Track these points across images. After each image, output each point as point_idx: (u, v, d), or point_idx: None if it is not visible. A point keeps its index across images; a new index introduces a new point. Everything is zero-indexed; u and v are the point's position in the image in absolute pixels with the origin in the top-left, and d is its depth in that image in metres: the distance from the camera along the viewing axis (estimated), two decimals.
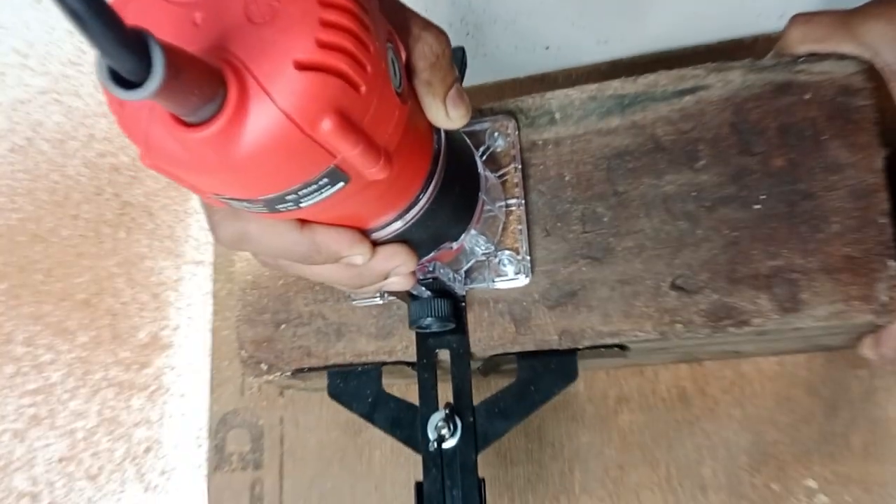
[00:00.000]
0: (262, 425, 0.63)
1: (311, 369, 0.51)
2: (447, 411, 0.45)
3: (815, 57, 0.46)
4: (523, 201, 0.48)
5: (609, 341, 0.47)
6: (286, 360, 0.52)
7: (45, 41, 0.78)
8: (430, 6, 0.65)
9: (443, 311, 0.45)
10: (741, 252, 0.45)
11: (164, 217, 0.72)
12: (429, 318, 0.45)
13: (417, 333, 0.48)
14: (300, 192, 0.28)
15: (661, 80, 0.48)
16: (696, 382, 0.57)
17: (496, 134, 0.49)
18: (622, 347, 0.47)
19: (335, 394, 0.51)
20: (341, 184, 0.29)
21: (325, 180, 0.28)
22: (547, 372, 0.47)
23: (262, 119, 0.25)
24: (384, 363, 0.50)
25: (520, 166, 0.48)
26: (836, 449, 0.54)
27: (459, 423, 0.45)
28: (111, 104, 0.27)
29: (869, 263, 0.43)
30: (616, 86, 0.48)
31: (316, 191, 0.29)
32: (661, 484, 0.56)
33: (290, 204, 0.29)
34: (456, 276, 0.46)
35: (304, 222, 0.33)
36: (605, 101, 0.48)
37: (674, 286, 0.46)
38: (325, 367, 0.51)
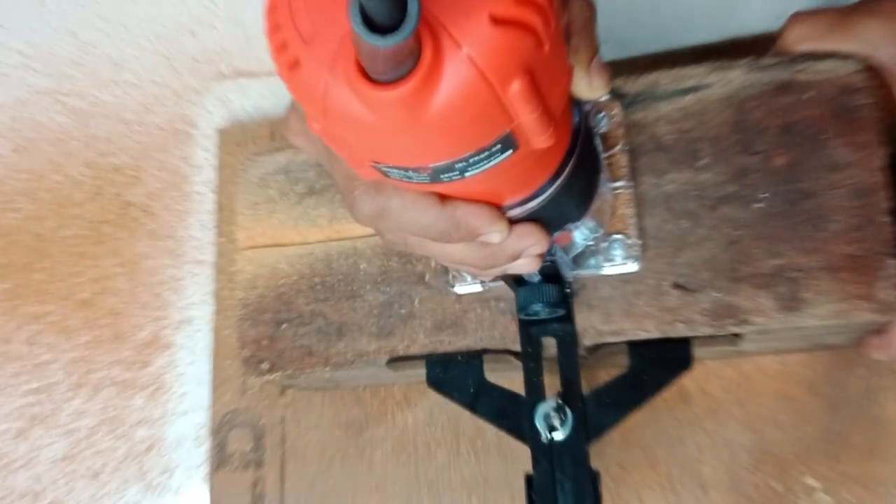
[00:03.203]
0: (263, 425, 0.63)
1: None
2: (558, 401, 0.43)
3: (815, 56, 0.46)
4: (632, 184, 0.47)
5: (610, 340, 0.47)
6: (287, 359, 0.52)
7: (48, 42, 0.78)
8: None
9: (553, 298, 0.43)
10: (742, 251, 0.45)
11: (166, 217, 0.72)
12: (538, 305, 0.43)
13: (521, 321, 0.46)
14: (471, 160, 0.28)
15: (662, 79, 0.48)
16: (696, 381, 0.57)
17: (601, 115, 0.47)
18: (735, 336, 0.46)
19: (435, 383, 0.49)
20: (509, 152, 0.28)
21: (498, 147, 0.27)
22: (659, 361, 0.46)
23: (456, 77, 0.23)
24: (486, 351, 0.49)
25: (627, 148, 0.47)
26: (837, 448, 0.54)
27: (570, 414, 0.43)
28: (282, 69, 0.26)
29: (870, 262, 0.43)
30: (616, 85, 0.48)
31: (485, 159, 0.28)
32: (661, 483, 0.56)
33: (455, 173, 0.28)
34: (566, 261, 0.45)
35: (444, 198, 0.32)
36: None
37: (675, 285, 0.46)
38: (327, 367, 0.51)
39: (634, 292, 0.47)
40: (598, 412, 0.44)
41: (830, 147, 0.45)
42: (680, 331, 0.46)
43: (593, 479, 0.42)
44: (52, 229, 0.74)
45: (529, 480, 0.43)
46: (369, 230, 0.53)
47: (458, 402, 0.48)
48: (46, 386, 0.70)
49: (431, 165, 0.28)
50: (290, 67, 0.25)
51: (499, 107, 0.25)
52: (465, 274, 0.49)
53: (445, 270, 0.50)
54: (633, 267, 0.46)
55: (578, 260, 0.46)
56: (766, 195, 0.45)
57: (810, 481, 0.54)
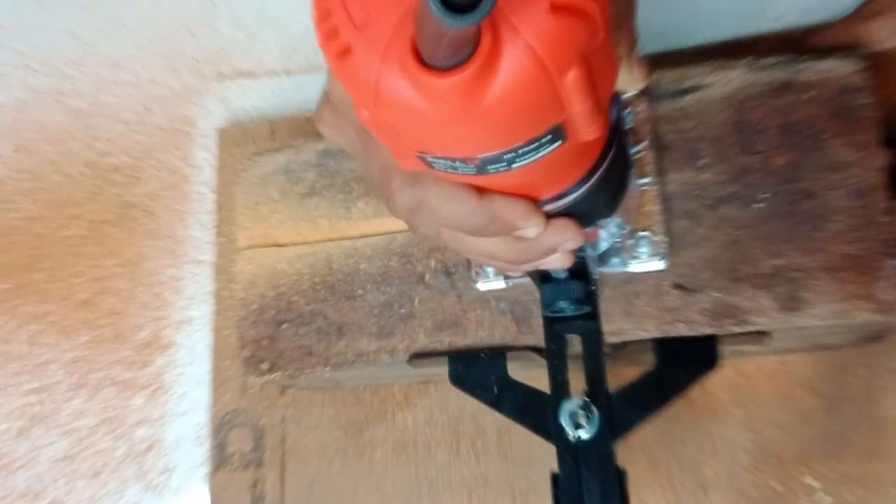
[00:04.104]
0: (263, 425, 0.63)
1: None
2: (584, 399, 0.43)
3: (816, 55, 0.46)
4: (658, 180, 0.47)
5: (610, 340, 0.47)
6: (287, 359, 0.52)
7: (47, 41, 0.78)
8: None
9: (579, 294, 0.43)
10: (742, 251, 0.45)
11: (166, 217, 0.72)
12: (564, 302, 0.43)
13: (545, 318, 0.45)
14: (520, 151, 0.27)
15: (662, 79, 0.48)
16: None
17: (626, 110, 0.47)
18: (762, 333, 0.46)
19: (457, 380, 0.49)
20: (558, 143, 0.28)
21: (548, 138, 0.27)
22: (685, 359, 0.46)
23: (514, 65, 0.23)
24: (509, 348, 0.48)
25: (653, 144, 0.47)
26: (838, 448, 0.54)
27: (596, 412, 0.43)
28: (330, 56, 0.25)
29: (870, 262, 0.43)
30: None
31: (534, 150, 0.27)
32: (662, 483, 0.56)
33: (502, 165, 0.28)
34: (592, 257, 0.45)
35: (482, 191, 0.32)
36: None
37: (675, 285, 0.46)
38: (327, 367, 0.51)
39: (634, 292, 0.47)
40: (624, 410, 0.44)
41: (830, 147, 0.45)
42: (680, 331, 0.46)
43: (620, 477, 0.42)
44: (52, 229, 0.74)
45: (555, 479, 0.43)
46: (369, 230, 0.53)
47: (481, 399, 0.48)
48: (46, 386, 0.70)
49: (480, 156, 0.27)
50: (340, 55, 0.25)
51: (554, 96, 0.25)
52: (487, 270, 0.48)
53: (446, 271, 0.50)
54: (659, 265, 0.46)
55: (603, 257, 0.46)
56: (766, 195, 0.45)
57: (810, 481, 0.54)
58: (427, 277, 0.50)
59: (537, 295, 0.48)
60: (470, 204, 0.31)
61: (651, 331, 0.46)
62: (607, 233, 0.44)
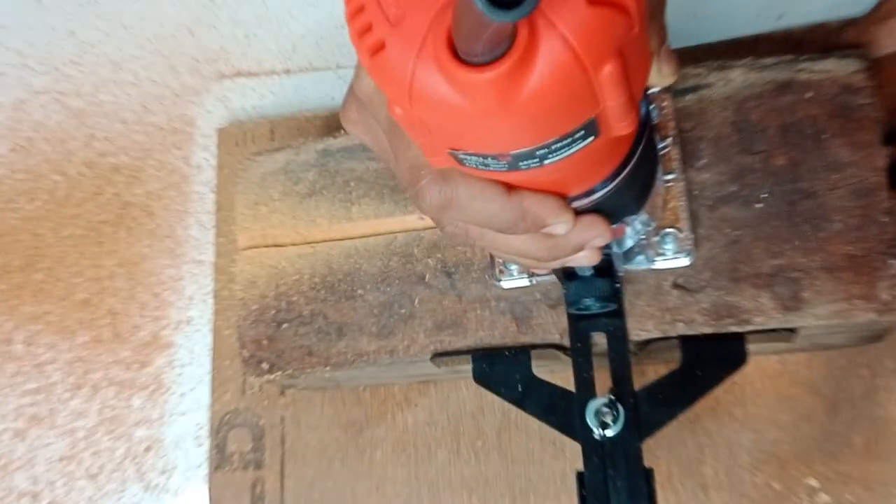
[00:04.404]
0: (263, 425, 0.63)
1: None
2: (610, 397, 0.43)
3: (816, 56, 0.46)
4: (683, 176, 0.46)
5: (536, 344, 0.46)
6: (287, 359, 0.52)
7: (46, 41, 0.78)
8: None
9: (605, 292, 0.42)
10: (743, 251, 0.45)
11: (165, 217, 0.72)
12: (590, 299, 0.43)
13: (570, 316, 0.45)
14: (552, 146, 0.27)
15: None
16: None
17: (651, 106, 0.46)
18: (790, 331, 0.46)
19: (481, 378, 0.49)
20: (591, 138, 0.27)
21: (581, 133, 0.27)
22: (713, 357, 0.45)
23: (550, 59, 0.23)
24: (533, 346, 0.48)
25: (678, 140, 0.46)
26: (838, 448, 0.54)
27: (622, 410, 0.42)
28: (363, 53, 0.25)
29: (871, 262, 0.43)
30: None
31: (567, 145, 0.27)
32: (662, 483, 0.56)
33: (534, 161, 0.28)
34: (618, 254, 0.44)
35: (511, 188, 0.31)
36: None
37: (675, 285, 0.46)
38: (327, 367, 0.51)
39: (635, 292, 0.47)
40: (650, 409, 0.43)
41: (831, 147, 0.45)
42: (680, 330, 0.46)
43: (647, 476, 0.42)
44: (52, 229, 0.74)
45: (581, 478, 0.42)
46: (369, 230, 0.53)
47: (505, 398, 0.47)
48: (45, 386, 0.70)
49: (512, 152, 0.27)
50: (373, 51, 0.25)
51: (588, 90, 0.25)
52: (511, 268, 0.48)
53: (446, 271, 0.50)
54: (684, 261, 0.45)
55: (628, 254, 0.46)
56: (766, 195, 0.45)
57: (810, 481, 0.54)
58: (427, 277, 0.50)
59: (538, 295, 0.48)
60: (499, 201, 0.31)
61: (651, 331, 0.46)
62: (632, 230, 0.43)
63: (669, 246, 0.45)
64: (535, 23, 0.23)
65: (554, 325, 0.47)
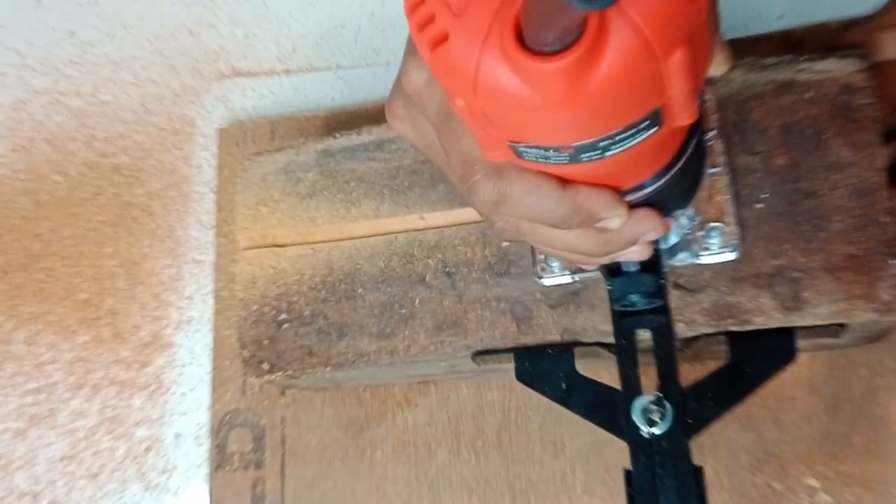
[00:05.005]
0: (263, 425, 0.63)
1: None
2: (657, 394, 0.42)
3: (816, 56, 0.46)
4: (728, 169, 0.46)
5: (612, 340, 0.46)
6: (288, 359, 0.52)
7: (46, 41, 0.78)
8: None
9: (650, 288, 0.42)
10: (743, 251, 0.45)
11: (165, 217, 0.72)
12: (635, 295, 0.42)
13: (614, 313, 0.44)
14: (616, 138, 0.26)
15: None
16: None
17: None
18: (840, 326, 0.45)
19: (524, 377, 0.48)
20: (654, 129, 0.27)
21: (646, 123, 0.26)
22: (762, 352, 0.44)
23: (621, 46, 0.23)
24: (577, 344, 0.48)
25: (722, 132, 0.46)
26: (838, 448, 0.54)
27: (670, 408, 0.42)
28: (425, 45, 0.25)
29: (871, 262, 0.43)
30: None
31: (630, 136, 0.27)
32: None
33: (596, 153, 0.27)
34: (662, 250, 0.43)
35: (565, 182, 0.31)
36: None
37: (676, 285, 0.46)
38: (328, 367, 0.51)
39: None
40: (698, 406, 0.43)
41: (831, 147, 0.45)
42: (681, 331, 0.45)
43: (696, 474, 0.41)
44: (52, 229, 0.74)
45: (629, 476, 0.42)
46: (370, 231, 0.53)
47: (549, 396, 0.47)
48: (46, 386, 0.70)
49: (575, 144, 0.27)
50: (436, 43, 0.25)
51: (658, 79, 0.24)
52: (552, 266, 0.47)
53: (446, 271, 0.50)
54: (730, 256, 0.45)
55: (672, 250, 0.45)
56: (767, 195, 0.45)
57: (811, 481, 0.54)
58: (427, 278, 0.50)
59: (538, 295, 0.48)
60: (554, 196, 0.31)
61: None
62: (677, 225, 0.43)
63: (715, 241, 0.45)
64: (606, 10, 0.22)
65: (555, 326, 0.47)
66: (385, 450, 0.61)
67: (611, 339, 0.45)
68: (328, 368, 0.51)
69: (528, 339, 0.48)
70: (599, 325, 0.47)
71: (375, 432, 0.61)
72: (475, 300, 0.49)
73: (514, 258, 0.49)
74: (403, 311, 0.50)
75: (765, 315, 0.44)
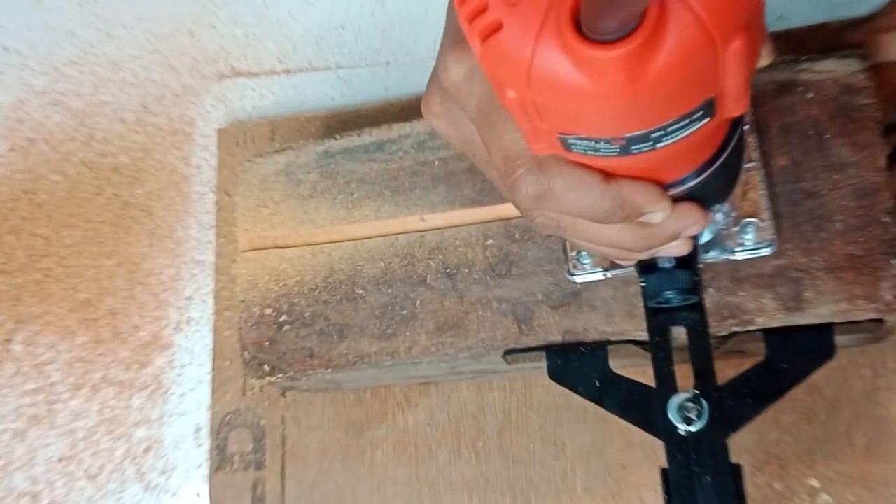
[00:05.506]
0: (263, 426, 0.63)
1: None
2: (693, 392, 0.41)
3: (817, 56, 0.46)
4: (762, 164, 0.45)
5: (616, 340, 0.46)
6: (288, 361, 0.52)
7: (46, 41, 0.78)
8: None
9: (686, 284, 0.41)
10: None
11: (165, 217, 0.72)
12: (671, 292, 0.41)
13: (648, 309, 0.44)
14: (669, 128, 0.26)
15: None
16: None
17: None
18: (879, 322, 0.44)
19: (556, 375, 0.47)
20: (706, 119, 0.27)
21: (699, 113, 0.26)
22: (799, 349, 0.44)
23: (681, 34, 0.22)
24: (609, 342, 0.47)
25: (755, 126, 0.45)
26: (839, 448, 0.54)
27: (706, 405, 0.41)
28: (475, 36, 0.25)
29: (873, 262, 0.43)
30: None
31: (683, 127, 0.26)
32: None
33: (647, 144, 0.27)
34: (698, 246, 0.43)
35: (608, 176, 0.31)
36: None
37: None
38: (328, 369, 0.51)
39: (637, 293, 0.46)
40: (735, 404, 0.42)
41: (832, 147, 0.45)
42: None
43: (734, 473, 0.40)
44: (51, 229, 0.74)
45: (665, 475, 0.41)
46: (370, 232, 0.53)
47: (582, 394, 0.46)
48: (45, 386, 0.70)
49: (628, 135, 0.26)
50: (488, 33, 0.24)
51: (714, 68, 0.24)
52: (585, 263, 0.47)
53: (447, 273, 0.50)
54: (765, 252, 0.44)
55: (705, 246, 0.44)
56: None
57: (812, 482, 0.54)
58: (428, 279, 0.50)
59: (539, 296, 0.48)
60: (597, 190, 0.31)
61: None
62: (712, 221, 0.42)
63: (750, 237, 0.44)
64: None
65: (556, 326, 0.47)
66: (385, 450, 0.61)
67: (617, 339, 0.45)
68: (329, 370, 0.51)
69: (530, 341, 0.48)
70: (601, 326, 0.47)
71: (376, 433, 0.61)
72: (476, 301, 0.49)
73: (515, 259, 0.49)
74: (404, 312, 0.50)
75: (766, 315, 0.44)
